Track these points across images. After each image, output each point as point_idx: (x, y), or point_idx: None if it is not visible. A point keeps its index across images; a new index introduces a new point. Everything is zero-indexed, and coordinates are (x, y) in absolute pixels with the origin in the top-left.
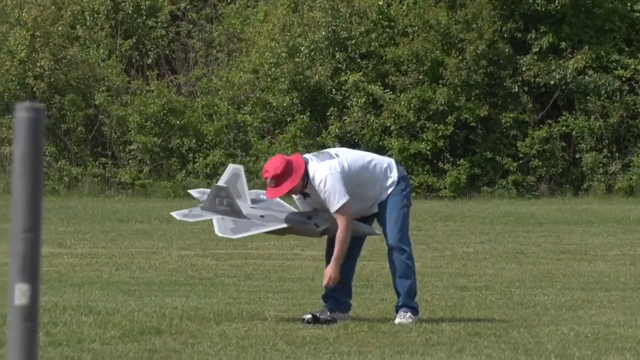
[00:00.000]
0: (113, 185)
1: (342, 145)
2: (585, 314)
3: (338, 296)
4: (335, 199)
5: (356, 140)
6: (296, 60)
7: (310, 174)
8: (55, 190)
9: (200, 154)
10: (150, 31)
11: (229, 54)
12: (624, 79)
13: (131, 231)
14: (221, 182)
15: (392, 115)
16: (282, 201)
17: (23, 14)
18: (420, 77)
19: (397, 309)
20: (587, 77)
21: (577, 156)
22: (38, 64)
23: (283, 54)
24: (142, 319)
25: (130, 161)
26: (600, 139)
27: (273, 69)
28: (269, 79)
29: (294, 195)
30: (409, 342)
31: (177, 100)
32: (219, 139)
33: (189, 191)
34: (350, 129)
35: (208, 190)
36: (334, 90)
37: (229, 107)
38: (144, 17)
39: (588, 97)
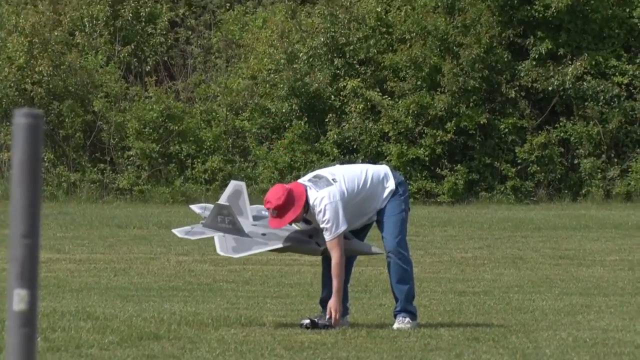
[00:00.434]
0: (111, 191)
1: (341, 151)
2: (584, 319)
3: None
4: (333, 227)
5: (355, 146)
6: (294, 66)
7: (310, 202)
8: (54, 196)
9: (199, 160)
10: (149, 38)
11: (228, 60)
12: (622, 85)
13: (129, 237)
14: (223, 198)
15: (391, 121)
16: None
17: (21, 20)
18: (419, 83)
19: (396, 314)
20: (585, 84)
21: (576, 162)
22: (36, 70)
23: (282, 60)
24: (140, 325)
25: (128, 167)
26: (598, 145)
27: (271, 75)
28: (267, 85)
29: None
30: (407, 347)
31: (175, 107)
32: (218, 145)
33: (190, 207)
34: (349, 135)
35: (209, 206)
36: (332, 96)
37: (228, 113)
38: (143, 23)
39: (586, 103)
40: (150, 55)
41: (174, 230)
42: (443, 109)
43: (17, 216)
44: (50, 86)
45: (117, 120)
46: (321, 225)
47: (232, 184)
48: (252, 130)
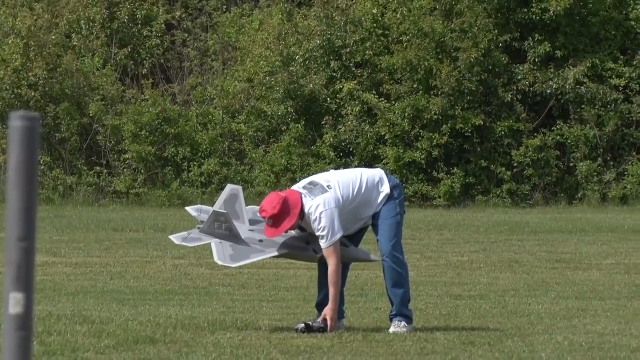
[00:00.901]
0: (108, 195)
1: (337, 154)
2: (580, 323)
3: None
4: (329, 235)
5: (351, 150)
6: (291, 69)
7: (306, 210)
8: (50, 200)
9: (195, 163)
10: (146, 40)
11: (224, 63)
12: (620, 88)
13: (126, 240)
14: (219, 202)
15: (387, 124)
16: None
17: (17, 23)
18: (415, 85)
19: (392, 318)
20: (584, 88)
21: (572, 165)
22: (32, 73)
23: (277, 63)
24: (136, 328)
25: (125, 170)
26: (594, 148)
27: (268, 78)
28: (263, 88)
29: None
30: (403, 351)
31: (171, 110)
32: (214, 148)
33: (186, 209)
34: (345, 138)
35: (206, 208)
36: (328, 99)
37: (224, 116)
38: (140, 26)
39: (583, 107)
40: (147, 58)
41: (171, 237)
42: (438, 112)
43: (13, 219)
44: (47, 89)
45: (114, 123)
46: (317, 233)
47: (229, 188)
48: (249, 134)
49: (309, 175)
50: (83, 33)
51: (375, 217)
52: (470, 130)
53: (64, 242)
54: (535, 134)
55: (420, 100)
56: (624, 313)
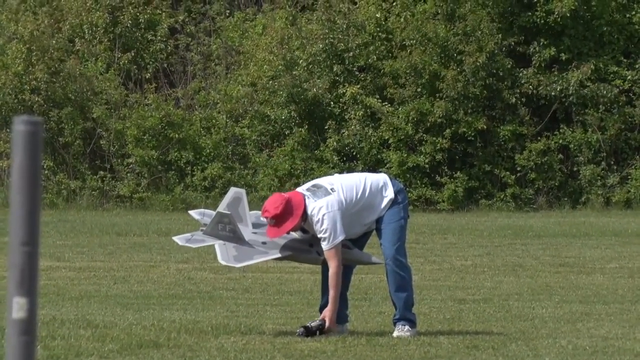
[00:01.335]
0: (111, 199)
1: (341, 158)
2: (584, 327)
3: None
4: (331, 237)
5: (354, 154)
6: (294, 73)
7: (308, 211)
8: (54, 204)
9: (199, 167)
10: (149, 45)
11: (227, 67)
12: (622, 91)
13: (129, 244)
14: (223, 205)
15: (391, 128)
16: None
17: (19, 28)
18: (419, 90)
19: (395, 322)
20: (586, 90)
21: (575, 169)
22: (34, 77)
23: (280, 67)
24: (140, 333)
25: (128, 174)
26: (598, 152)
27: (271, 82)
28: (267, 92)
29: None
30: (407, 355)
31: (175, 114)
32: (217, 152)
33: (189, 212)
34: (349, 142)
35: (208, 212)
36: (332, 103)
37: (227, 120)
38: (143, 30)
39: (587, 110)
40: (150, 62)
41: (175, 238)
42: (442, 115)
43: (16, 224)
44: (49, 93)
45: (117, 127)
46: (319, 235)
47: (232, 191)
48: (252, 138)
49: (312, 179)
50: (86, 37)
51: (379, 221)
52: (473, 134)
53: (68, 246)
54: (539, 138)
55: (424, 104)
56: (628, 317)
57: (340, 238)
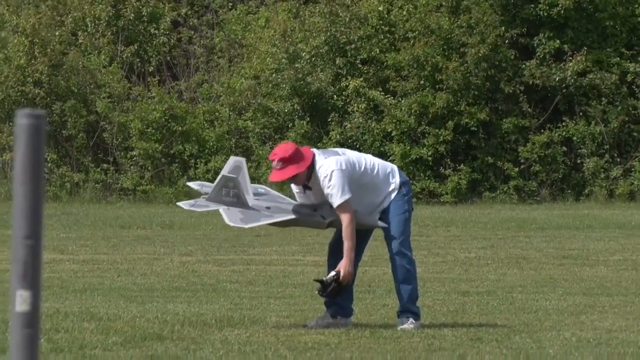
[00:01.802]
0: (115, 192)
1: None
2: (587, 319)
3: (340, 301)
4: (339, 193)
5: (357, 146)
6: (296, 66)
7: (317, 166)
8: (57, 197)
9: (202, 160)
10: (152, 38)
11: (230, 60)
12: (625, 83)
13: (133, 237)
14: (224, 172)
15: (394, 120)
16: (282, 195)
17: (22, 21)
18: (422, 82)
19: (399, 314)
20: (587, 79)
21: (579, 161)
22: (36, 70)
23: (283, 60)
24: (144, 325)
25: (131, 167)
26: (601, 144)
27: (274, 75)
28: (269, 85)
29: (294, 187)
30: (411, 347)
31: (178, 107)
32: (221, 145)
33: (187, 183)
34: (351, 135)
35: (207, 183)
36: (334, 96)
37: (230, 113)
38: (146, 23)
39: (589, 102)
40: (153, 55)
41: (179, 203)
42: (443, 106)
43: (19, 217)
44: (52, 86)
45: (120, 120)
46: (326, 191)
47: (232, 160)
48: (255, 130)
49: None
50: (89, 30)
51: (384, 213)
52: (475, 125)
53: (71, 239)
54: (542, 130)
55: (427, 96)
56: (632, 309)
57: (348, 195)
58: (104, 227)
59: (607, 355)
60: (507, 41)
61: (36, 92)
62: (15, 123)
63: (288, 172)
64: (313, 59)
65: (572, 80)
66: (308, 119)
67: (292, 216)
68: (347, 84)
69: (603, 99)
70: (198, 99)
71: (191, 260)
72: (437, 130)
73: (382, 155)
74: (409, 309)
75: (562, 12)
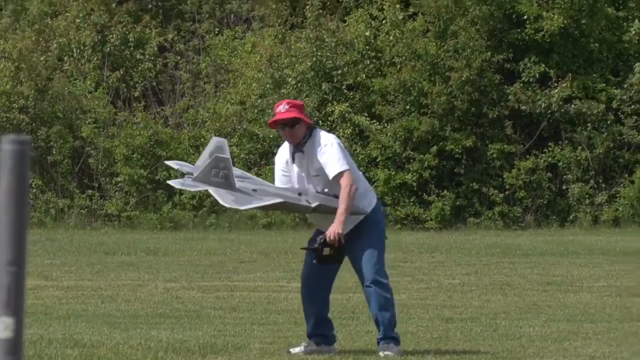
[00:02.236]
0: (99, 218)
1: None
2: (571, 346)
3: (321, 332)
4: (340, 162)
5: None
6: (282, 91)
7: (317, 135)
8: (42, 222)
9: None
10: (138, 63)
11: (216, 86)
12: (611, 109)
13: (117, 263)
14: (205, 154)
15: (379, 146)
16: (264, 180)
17: (8, 46)
18: (407, 107)
19: (379, 341)
20: (572, 106)
21: (564, 187)
22: (22, 96)
23: (269, 85)
24: (127, 352)
25: (116, 193)
26: (586, 170)
27: (260, 101)
28: (255, 111)
29: (278, 162)
30: None
31: (163, 132)
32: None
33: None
34: None
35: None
36: (320, 121)
37: None
38: (132, 49)
39: (575, 128)
40: (139, 81)
41: (170, 182)
42: (428, 131)
43: (3, 243)
44: (37, 111)
45: (106, 146)
46: (324, 159)
47: (214, 140)
48: (241, 156)
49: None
50: (74, 56)
51: (357, 238)
52: (460, 152)
53: (56, 265)
54: (527, 156)
55: (412, 121)
56: (615, 335)
57: (348, 167)
58: (88, 253)
59: None
60: (492, 66)
61: (21, 117)
62: (0, 149)
63: (291, 113)
64: (299, 84)
65: (558, 106)
66: None
67: (280, 199)
68: (333, 109)
69: (589, 124)
70: (183, 124)
71: (175, 286)
72: (421, 156)
73: (368, 180)
74: (389, 335)
75: (547, 37)
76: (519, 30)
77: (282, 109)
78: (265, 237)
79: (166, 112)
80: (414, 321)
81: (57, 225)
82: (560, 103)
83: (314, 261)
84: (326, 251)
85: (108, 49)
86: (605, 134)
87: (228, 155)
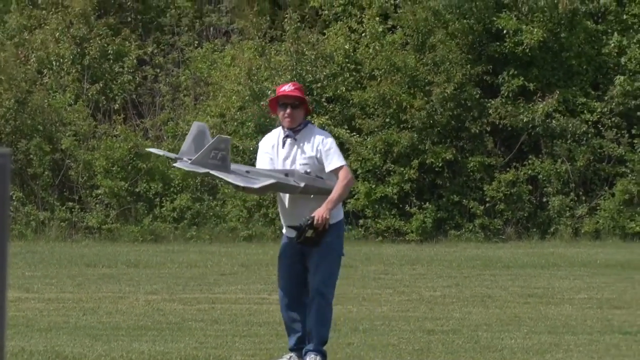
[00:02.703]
0: (80, 230)
1: None
2: (552, 358)
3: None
4: (341, 157)
5: None
6: (262, 104)
7: (313, 128)
8: (23, 235)
9: (167, 198)
10: (117, 76)
11: (196, 98)
12: (590, 122)
13: (98, 276)
14: (188, 139)
15: (359, 158)
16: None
17: None
18: (387, 120)
19: (306, 352)
20: (554, 122)
21: (544, 200)
22: (1, 105)
23: (248, 97)
24: None
25: (97, 205)
26: (566, 183)
27: (239, 113)
28: (235, 123)
29: (264, 145)
30: None
31: (143, 145)
32: (186, 184)
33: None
34: None
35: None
36: None
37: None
38: (111, 62)
39: (555, 141)
40: (119, 94)
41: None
42: (408, 145)
43: None
44: (17, 123)
45: (86, 158)
46: (324, 149)
47: (196, 125)
48: None
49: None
50: (54, 69)
51: (315, 254)
52: (440, 165)
53: (37, 277)
54: (508, 169)
55: (392, 134)
56: (596, 347)
57: (346, 163)
58: (69, 266)
59: None
60: (472, 79)
61: (4, 129)
62: None
63: (294, 92)
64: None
65: (540, 121)
66: None
67: (272, 180)
68: (313, 122)
69: (569, 138)
70: (163, 137)
71: (156, 298)
72: (402, 169)
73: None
74: (319, 349)
75: (527, 50)
76: (498, 43)
77: (287, 88)
78: (246, 249)
79: (146, 124)
80: (396, 333)
81: (38, 237)
82: (543, 118)
83: (296, 240)
84: (309, 233)
85: (87, 61)
86: (586, 146)
87: (208, 139)
